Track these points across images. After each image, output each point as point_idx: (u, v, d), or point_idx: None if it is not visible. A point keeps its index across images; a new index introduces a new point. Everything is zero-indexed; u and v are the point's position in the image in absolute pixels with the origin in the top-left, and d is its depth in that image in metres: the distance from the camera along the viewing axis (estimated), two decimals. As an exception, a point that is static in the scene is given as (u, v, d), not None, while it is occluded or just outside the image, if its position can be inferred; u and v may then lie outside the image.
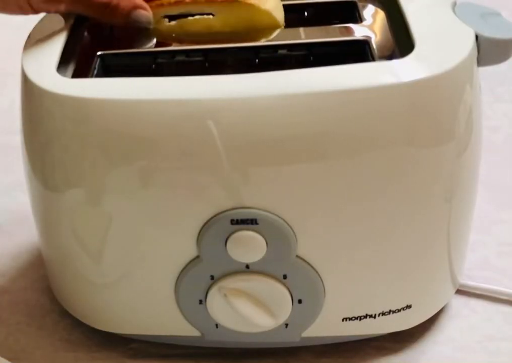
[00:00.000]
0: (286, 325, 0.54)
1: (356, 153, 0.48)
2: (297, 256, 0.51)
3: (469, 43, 0.51)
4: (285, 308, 0.53)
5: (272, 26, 0.52)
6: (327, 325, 0.55)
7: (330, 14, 0.59)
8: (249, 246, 0.51)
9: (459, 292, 0.61)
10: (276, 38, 0.53)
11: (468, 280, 0.62)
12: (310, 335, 0.55)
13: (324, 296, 0.53)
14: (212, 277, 0.52)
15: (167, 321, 0.56)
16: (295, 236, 0.51)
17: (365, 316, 0.55)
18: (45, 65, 0.52)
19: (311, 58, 0.54)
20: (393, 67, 0.49)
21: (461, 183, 0.53)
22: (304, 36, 0.55)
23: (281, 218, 0.50)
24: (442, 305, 0.59)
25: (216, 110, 0.47)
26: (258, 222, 0.50)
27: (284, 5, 0.54)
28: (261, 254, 0.51)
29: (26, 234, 0.69)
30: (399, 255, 0.53)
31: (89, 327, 0.59)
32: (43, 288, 0.64)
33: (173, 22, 0.54)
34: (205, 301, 0.53)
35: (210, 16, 0.53)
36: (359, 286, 0.53)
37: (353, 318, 0.55)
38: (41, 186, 0.53)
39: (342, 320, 0.55)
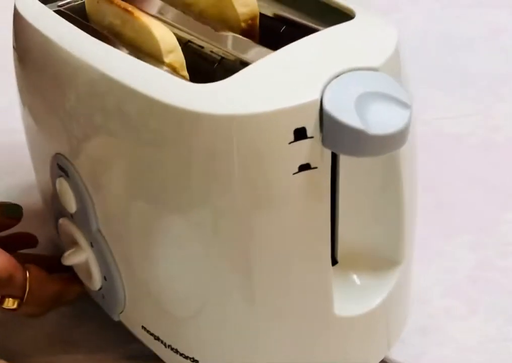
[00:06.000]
0: (103, 296, 0.54)
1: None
2: (99, 230, 0.51)
3: None
4: (95, 275, 0.53)
5: None
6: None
7: None
8: (65, 194, 0.51)
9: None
10: None
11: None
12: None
13: (124, 292, 0.52)
14: None
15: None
16: (92, 201, 0.50)
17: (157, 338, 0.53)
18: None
19: None
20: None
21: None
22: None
23: (80, 177, 0.49)
24: None
25: None
26: (68, 174, 0.50)
27: None
28: (73, 207, 0.51)
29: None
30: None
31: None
32: (41, 289, 0.64)
33: None
34: None
35: None
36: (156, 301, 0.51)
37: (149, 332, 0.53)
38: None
39: (142, 327, 0.54)
